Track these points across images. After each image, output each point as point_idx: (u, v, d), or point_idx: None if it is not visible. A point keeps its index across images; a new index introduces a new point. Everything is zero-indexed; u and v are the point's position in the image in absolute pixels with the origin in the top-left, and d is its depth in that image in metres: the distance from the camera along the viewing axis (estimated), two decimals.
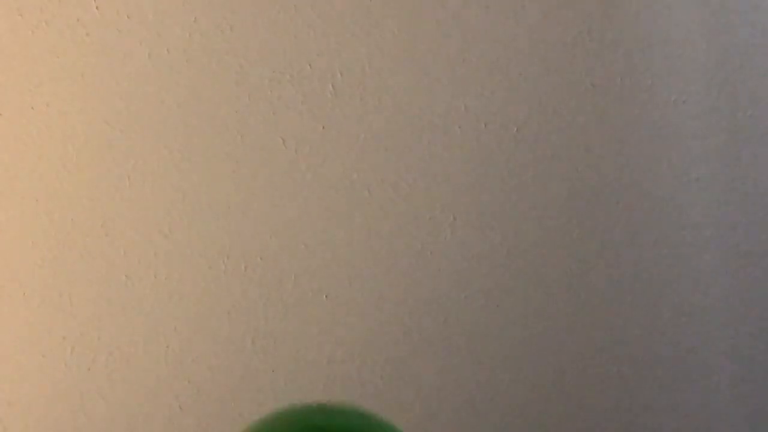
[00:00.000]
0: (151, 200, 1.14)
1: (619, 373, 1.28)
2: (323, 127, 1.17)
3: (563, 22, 1.21)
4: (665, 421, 1.30)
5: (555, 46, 1.21)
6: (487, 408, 1.23)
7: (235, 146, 1.16)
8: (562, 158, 1.23)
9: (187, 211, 1.15)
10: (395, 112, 1.19)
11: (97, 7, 1.12)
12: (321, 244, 1.19)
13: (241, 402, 1.17)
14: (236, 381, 1.17)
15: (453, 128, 1.20)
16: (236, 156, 1.16)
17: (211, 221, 1.16)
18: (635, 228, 1.26)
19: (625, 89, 1.23)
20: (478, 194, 1.22)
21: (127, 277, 1.15)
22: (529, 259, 1.24)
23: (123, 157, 1.14)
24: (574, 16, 1.21)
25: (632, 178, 1.25)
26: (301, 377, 1.18)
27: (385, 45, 1.18)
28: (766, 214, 1.28)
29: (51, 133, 1.12)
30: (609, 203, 1.25)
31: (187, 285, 1.15)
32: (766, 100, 1.27)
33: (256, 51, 1.15)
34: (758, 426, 1.31)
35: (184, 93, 1.14)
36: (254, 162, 1.16)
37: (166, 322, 1.15)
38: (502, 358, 1.24)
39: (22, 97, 1.11)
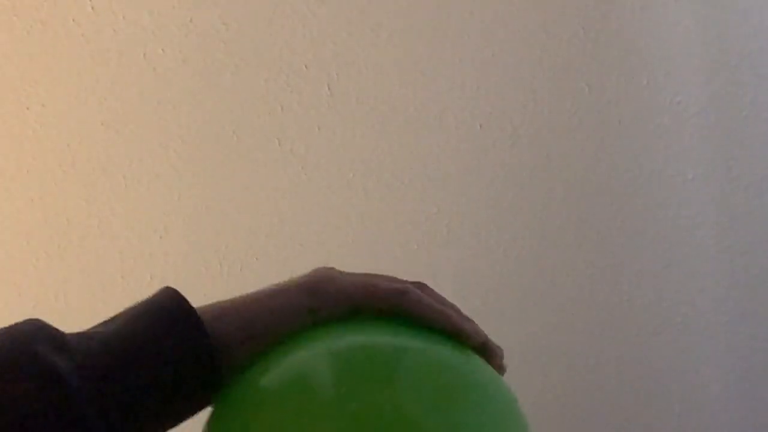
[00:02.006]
0: (146, 200, 1.14)
1: (617, 373, 1.28)
2: (319, 128, 1.18)
3: (559, 23, 1.21)
4: (664, 420, 1.30)
5: (550, 46, 1.21)
6: None
7: (231, 146, 1.16)
8: (557, 158, 1.23)
9: (182, 212, 1.15)
10: (391, 112, 1.19)
11: (92, 8, 1.12)
12: (317, 244, 1.19)
13: None
14: None
15: (448, 129, 1.20)
16: (232, 156, 1.16)
17: (207, 222, 1.16)
18: (631, 227, 1.26)
19: (620, 89, 1.23)
20: (473, 194, 1.22)
21: (122, 277, 1.15)
22: (525, 259, 1.24)
23: (118, 157, 1.14)
24: (569, 16, 1.21)
25: (628, 178, 1.25)
26: None
27: (381, 46, 1.18)
28: (762, 214, 1.29)
29: (47, 134, 1.12)
30: (605, 203, 1.25)
31: (183, 285, 1.15)
32: (761, 100, 1.27)
33: (251, 51, 1.15)
34: (757, 424, 1.31)
35: (180, 93, 1.14)
36: (250, 162, 1.16)
37: None
38: None
39: (18, 98, 1.11)
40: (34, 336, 0.43)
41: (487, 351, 0.54)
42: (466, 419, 0.48)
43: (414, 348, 0.51)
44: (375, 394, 0.48)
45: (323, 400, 0.47)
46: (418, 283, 0.53)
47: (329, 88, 1.17)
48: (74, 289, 1.14)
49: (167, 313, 0.49)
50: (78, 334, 0.46)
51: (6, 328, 0.44)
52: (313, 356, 0.50)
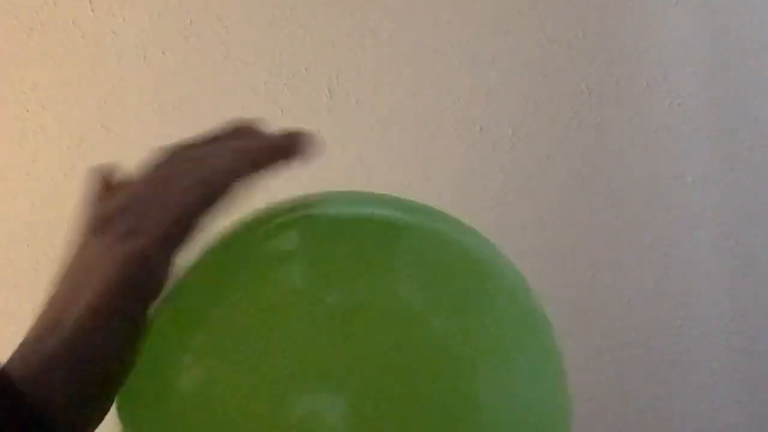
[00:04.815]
0: None
1: (617, 374, 1.28)
2: (319, 130, 1.17)
3: (559, 25, 1.21)
4: (665, 421, 1.30)
5: (550, 48, 1.21)
6: None
7: None
8: (557, 160, 1.23)
9: None
10: (391, 115, 1.19)
11: (92, 10, 1.12)
12: None
13: None
14: None
15: (448, 131, 1.20)
16: None
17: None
18: (631, 230, 1.26)
19: (620, 91, 1.23)
20: (473, 196, 1.22)
21: None
22: (525, 261, 1.24)
23: (118, 159, 1.14)
24: (569, 18, 1.21)
25: (628, 180, 1.25)
26: None
27: (381, 48, 1.18)
28: (762, 216, 1.29)
29: (47, 136, 1.12)
30: (604, 205, 1.25)
31: None
32: (761, 101, 1.27)
33: (251, 54, 1.15)
34: (758, 425, 1.31)
35: (180, 95, 1.14)
36: None
37: None
38: None
39: (18, 100, 1.11)
40: None
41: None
42: (485, 322, 0.36)
43: (404, 219, 0.37)
44: (360, 280, 0.35)
45: (289, 293, 0.35)
46: (236, 131, 0.42)
47: (329, 91, 1.17)
48: None
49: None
50: None
51: None
52: (268, 232, 0.38)
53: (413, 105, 1.19)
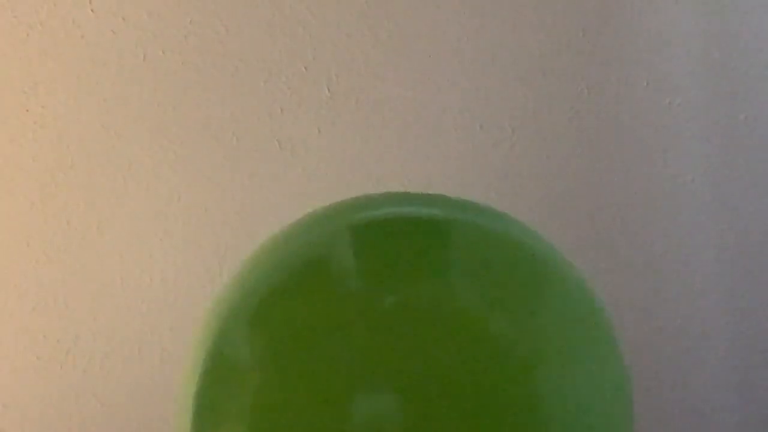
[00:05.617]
0: (146, 202, 1.14)
1: None
2: (319, 130, 1.18)
3: (558, 24, 1.21)
4: (665, 423, 1.30)
5: (550, 47, 1.21)
6: None
7: (231, 148, 1.16)
8: (557, 160, 1.23)
9: (182, 214, 1.15)
10: (391, 113, 1.19)
11: (92, 9, 1.12)
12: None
13: None
14: None
15: (448, 129, 1.20)
16: (232, 158, 1.16)
17: (206, 223, 1.16)
18: (631, 230, 1.26)
19: (620, 91, 1.23)
20: (473, 195, 1.22)
21: (122, 279, 1.14)
22: None
23: (118, 159, 1.14)
24: (569, 17, 1.21)
25: (627, 180, 1.25)
26: None
27: (381, 47, 1.18)
28: (762, 216, 1.29)
29: (46, 135, 1.12)
30: (604, 206, 1.25)
31: (183, 287, 1.15)
32: (761, 101, 1.27)
33: (251, 53, 1.15)
34: (758, 425, 1.31)
35: (180, 95, 1.14)
36: (250, 164, 1.16)
37: (162, 324, 1.15)
38: None
39: (17, 99, 1.11)
40: None
41: None
42: (544, 323, 0.32)
43: (458, 217, 0.34)
44: (415, 281, 0.32)
45: (344, 297, 0.34)
46: None
47: (329, 90, 1.17)
48: (74, 291, 1.14)
49: None
50: None
51: None
52: (329, 234, 0.35)
53: (413, 104, 1.19)
